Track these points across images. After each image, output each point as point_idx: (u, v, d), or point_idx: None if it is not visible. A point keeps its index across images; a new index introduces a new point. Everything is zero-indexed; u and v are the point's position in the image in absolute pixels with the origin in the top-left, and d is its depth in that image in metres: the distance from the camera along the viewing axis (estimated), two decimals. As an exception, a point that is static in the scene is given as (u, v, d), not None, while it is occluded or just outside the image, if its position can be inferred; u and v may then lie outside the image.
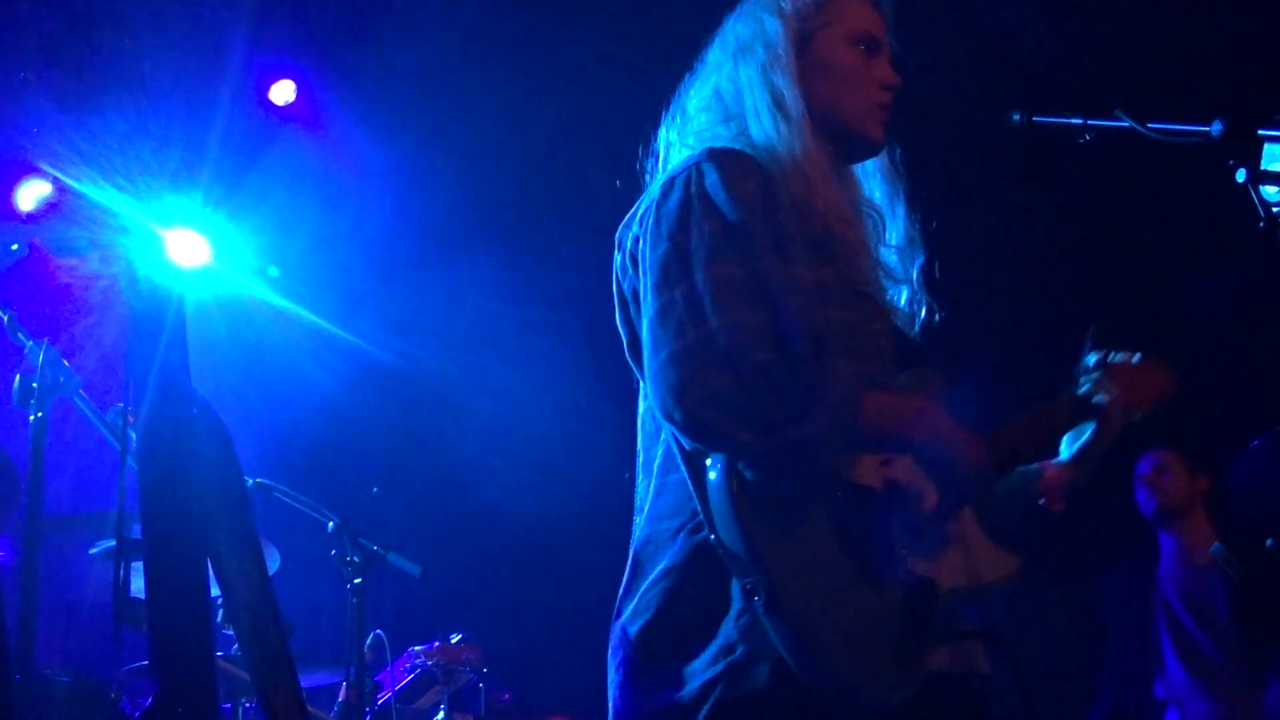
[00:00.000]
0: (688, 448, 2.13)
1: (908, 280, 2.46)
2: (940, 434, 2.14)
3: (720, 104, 2.40)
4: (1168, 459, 4.88)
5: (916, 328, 2.46)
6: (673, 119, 2.47)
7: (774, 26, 2.35)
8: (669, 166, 2.40)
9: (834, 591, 2.02)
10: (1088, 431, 2.47)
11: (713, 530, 2.04)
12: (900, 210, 2.47)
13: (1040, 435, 2.43)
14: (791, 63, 2.33)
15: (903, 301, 2.46)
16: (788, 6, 2.37)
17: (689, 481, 2.13)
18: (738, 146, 2.33)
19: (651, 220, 2.22)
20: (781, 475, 2.04)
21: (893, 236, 2.46)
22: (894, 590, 2.07)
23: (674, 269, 2.14)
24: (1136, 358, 2.53)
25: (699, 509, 2.11)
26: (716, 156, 2.23)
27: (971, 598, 2.19)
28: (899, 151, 2.49)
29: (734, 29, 2.43)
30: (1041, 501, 2.43)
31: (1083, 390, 2.48)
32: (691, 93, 2.46)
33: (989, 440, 2.25)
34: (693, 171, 2.22)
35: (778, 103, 2.31)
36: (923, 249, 2.47)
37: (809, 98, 2.32)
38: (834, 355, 2.14)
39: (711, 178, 2.19)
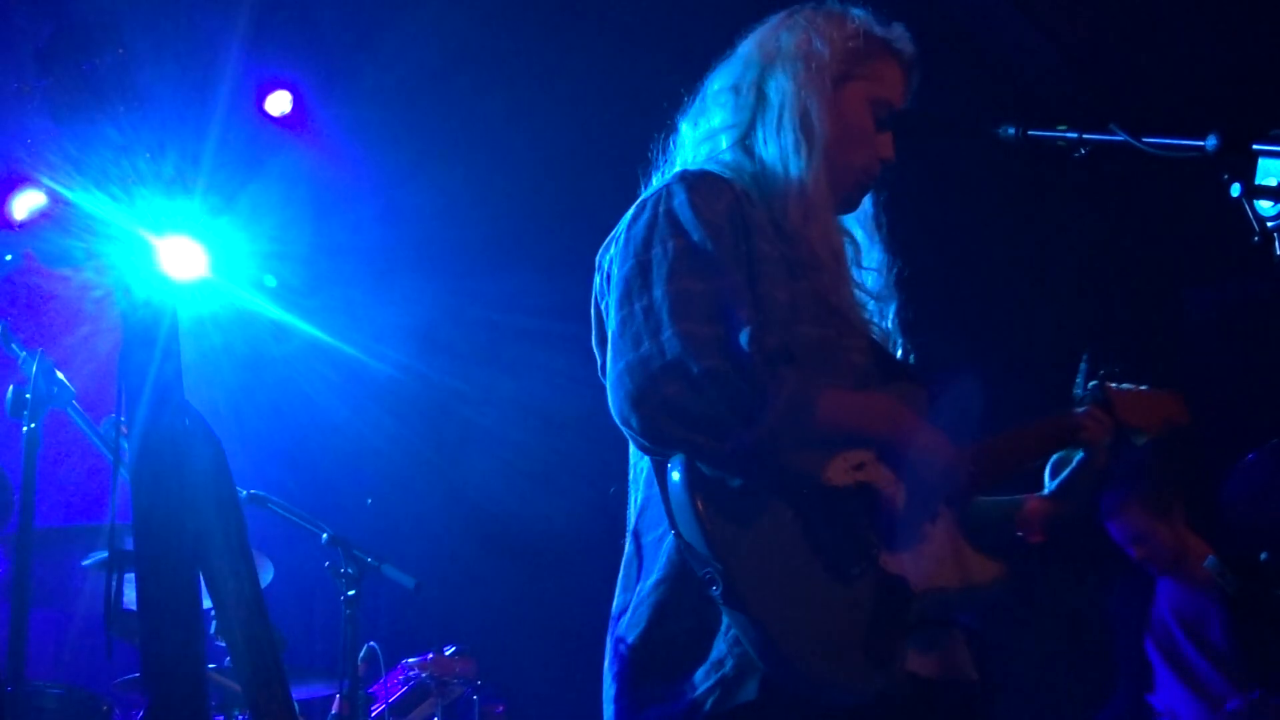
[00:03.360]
0: (647, 452, 2.18)
1: (887, 300, 2.49)
2: (901, 428, 2.17)
3: (734, 102, 2.42)
4: (1138, 520, 4.69)
5: (898, 352, 2.49)
6: (689, 105, 2.51)
7: (824, 52, 2.37)
8: (675, 163, 2.46)
9: (795, 583, 2.04)
10: (1074, 462, 2.48)
11: (674, 526, 2.08)
12: (877, 250, 2.52)
13: (1027, 450, 2.44)
14: (828, 92, 2.36)
15: (888, 322, 2.49)
16: (838, 42, 2.39)
17: (658, 486, 2.16)
18: (729, 158, 2.37)
19: (622, 241, 2.29)
20: (738, 474, 2.07)
21: (868, 260, 2.50)
22: (863, 587, 2.07)
23: (636, 284, 2.21)
24: (1143, 388, 2.54)
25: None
26: (688, 178, 2.29)
27: (966, 598, 2.20)
28: (884, 196, 2.52)
29: (778, 33, 2.44)
30: (1020, 534, 2.44)
31: (1076, 412, 2.48)
32: (715, 83, 2.48)
33: (972, 448, 2.26)
34: (663, 192, 2.28)
35: (805, 125, 2.34)
36: (896, 293, 2.51)
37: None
38: (803, 368, 2.17)
39: (679, 198, 2.24)
